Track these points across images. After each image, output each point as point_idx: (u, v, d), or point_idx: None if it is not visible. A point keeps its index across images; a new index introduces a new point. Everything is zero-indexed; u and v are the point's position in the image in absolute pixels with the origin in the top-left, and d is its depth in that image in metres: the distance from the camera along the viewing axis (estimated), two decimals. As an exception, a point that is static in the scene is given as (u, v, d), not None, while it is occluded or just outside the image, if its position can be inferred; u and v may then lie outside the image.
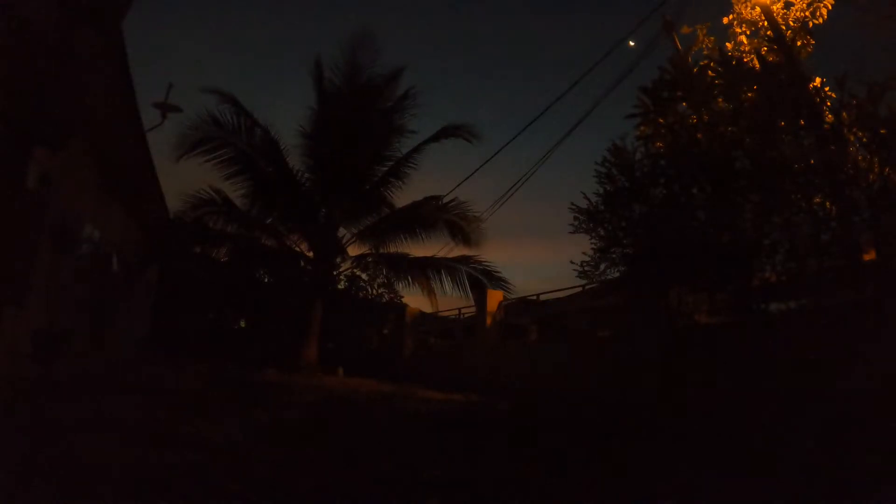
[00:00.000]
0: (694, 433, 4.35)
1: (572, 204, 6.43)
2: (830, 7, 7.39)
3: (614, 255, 6.18)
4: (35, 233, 5.80)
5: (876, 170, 4.99)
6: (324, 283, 11.78)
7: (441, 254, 12.84)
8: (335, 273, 12.71)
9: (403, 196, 12.71)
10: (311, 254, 12.26)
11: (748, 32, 8.24)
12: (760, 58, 6.31)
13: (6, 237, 4.94)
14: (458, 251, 12.67)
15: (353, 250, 12.76)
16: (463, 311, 12.98)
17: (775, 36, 7.07)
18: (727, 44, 8.46)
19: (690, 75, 5.94)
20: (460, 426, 5.05)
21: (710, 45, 8.88)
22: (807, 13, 7.47)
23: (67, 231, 6.45)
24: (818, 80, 5.92)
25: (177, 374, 8.14)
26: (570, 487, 2.72)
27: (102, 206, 10.19)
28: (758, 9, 7.82)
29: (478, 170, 21.07)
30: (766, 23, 7.66)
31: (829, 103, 5.64)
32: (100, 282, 10.49)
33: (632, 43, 9.83)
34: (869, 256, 5.11)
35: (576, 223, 6.37)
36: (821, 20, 7.49)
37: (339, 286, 13.28)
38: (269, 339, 13.46)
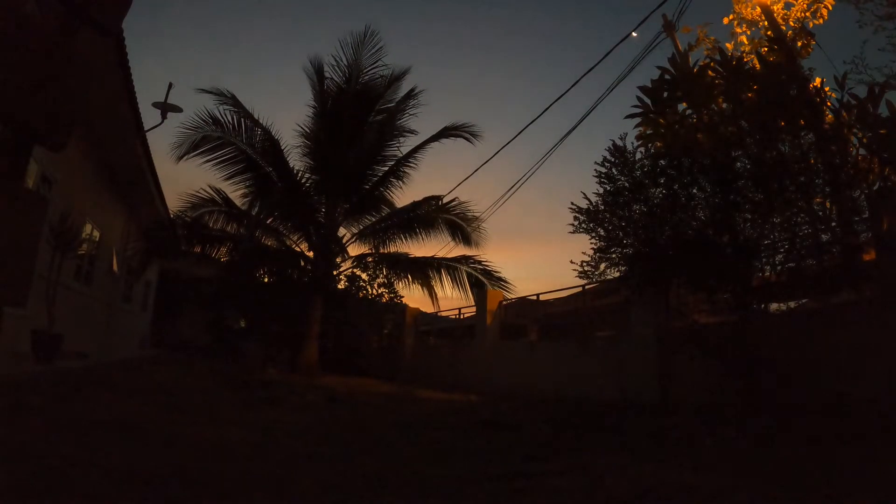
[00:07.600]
0: (693, 433, 4.35)
1: (572, 204, 6.45)
2: (831, 7, 7.41)
3: (614, 255, 6.18)
4: (35, 233, 5.80)
5: (876, 170, 4.99)
6: (324, 282, 11.77)
7: (441, 254, 12.87)
8: (335, 273, 12.70)
9: (404, 196, 12.71)
10: (311, 254, 12.26)
11: (748, 32, 8.27)
12: (760, 58, 6.30)
13: (6, 237, 4.94)
14: (459, 251, 12.70)
15: (353, 250, 12.78)
16: (463, 311, 12.99)
17: (775, 36, 7.07)
18: (727, 44, 8.49)
19: (690, 75, 5.93)
20: (460, 426, 5.05)
21: (710, 45, 8.91)
22: (807, 13, 7.50)
23: (67, 231, 6.45)
24: (818, 80, 5.92)
25: (176, 373, 8.14)
26: (569, 488, 2.72)
27: (102, 207, 10.21)
28: (758, 9, 7.84)
29: (478, 169, 21.09)
30: (766, 23, 7.68)
31: (829, 103, 5.64)
32: (100, 281, 10.51)
33: (635, 33, 9.85)
34: (869, 256, 5.11)
35: (576, 223, 6.39)
36: (821, 20, 7.52)
37: (339, 286, 13.26)
38: (269, 339, 13.45)
